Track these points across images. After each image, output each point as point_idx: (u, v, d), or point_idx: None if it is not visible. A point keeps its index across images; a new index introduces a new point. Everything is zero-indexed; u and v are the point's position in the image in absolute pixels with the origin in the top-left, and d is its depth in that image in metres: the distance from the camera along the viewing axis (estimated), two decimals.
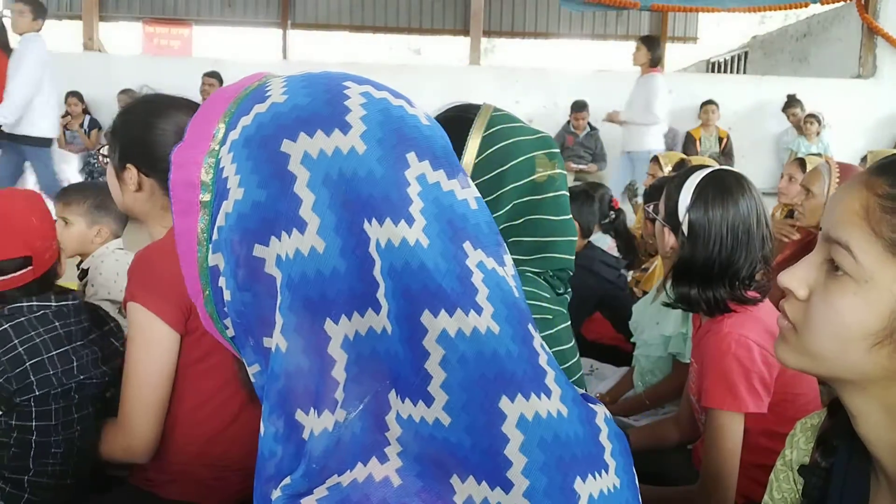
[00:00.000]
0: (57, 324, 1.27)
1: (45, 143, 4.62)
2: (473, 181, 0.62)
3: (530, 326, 0.46)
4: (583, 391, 0.51)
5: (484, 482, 0.41)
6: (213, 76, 6.62)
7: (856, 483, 0.73)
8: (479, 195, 0.48)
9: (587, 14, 11.17)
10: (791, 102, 7.12)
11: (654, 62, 5.53)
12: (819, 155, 4.48)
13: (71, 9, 10.93)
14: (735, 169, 1.47)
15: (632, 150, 5.70)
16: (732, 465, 1.27)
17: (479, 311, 0.43)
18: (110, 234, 2.07)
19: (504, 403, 0.42)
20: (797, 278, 0.67)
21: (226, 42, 14.80)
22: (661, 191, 1.55)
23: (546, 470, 0.42)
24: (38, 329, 1.24)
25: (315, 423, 0.43)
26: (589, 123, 6.98)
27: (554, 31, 11.94)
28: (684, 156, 3.91)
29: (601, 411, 0.48)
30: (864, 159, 4.65)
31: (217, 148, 0.48)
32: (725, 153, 6.97)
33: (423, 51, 18.22)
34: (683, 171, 1.52)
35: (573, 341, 1.08)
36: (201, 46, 11.93)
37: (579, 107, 6.89)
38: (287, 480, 0.43)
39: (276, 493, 0.43)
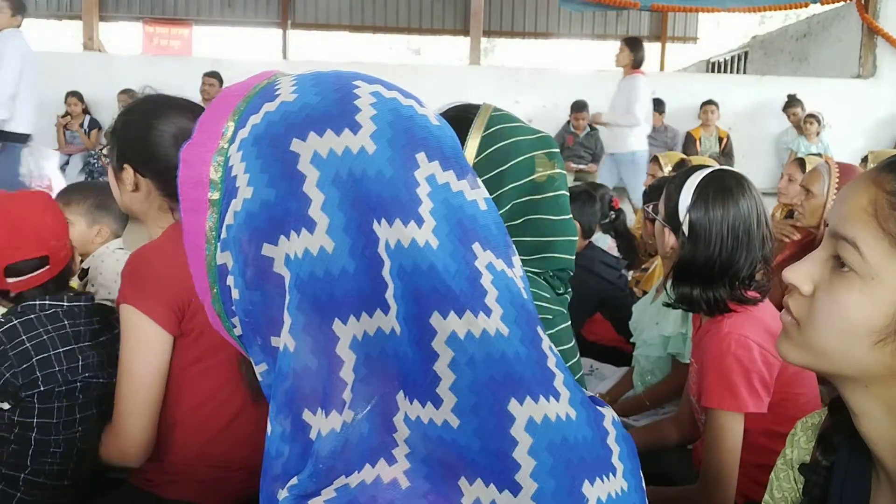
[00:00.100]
0: (66, 322, 1.28)
1: (21, 138, 4.54)
2: None
3: (539, 329, 0.46)
4: (590, 394, 0.51)
5: (492, 485, 0.41)
6: (213, 76, 6.62)
7: (856, 481, 0.73)
8: (488, 196, 0.48)
9: (587, 14, 11.17)
10: (791, 102, 7.11)
11: (637, 63, 5.48)
12: (819, 155, 4.47)
13: (71, 9, 10.93)
14: (735, 169, 1.47)
15: (615, 151, 5.69)
16: (732, 464, 1.28)
17: (488, 312, 0.43)
18: (111, 233, 2.07)
19: (513, 406, 0.42)
20: (802, 274, 0.68)
21: (226, 42, 14.80)
22: (661, 191, 1.55)
23: (554, 473, 0.41)
24: (46, 326, 1.25)
25: (322, 424, 0.43)
26: (589, 123, 6.98)
27: (554, 31, 11.94)
28: (684, 156, 3.90)
29: (609, 414, 0.48)
30: (864, 159, 4.65)
31: (226, 146, 0.47)
32: (725, 153, 6.97)
33: (422, 51, 18.21)
34: (683, 171, 1.52)
35: (573, 341, 1.08)
36: (201, 46, 11.92)
37: (579, 107, 6.88)
38: (294, 481, 0.43)
39: (283, 494, 0.43)
